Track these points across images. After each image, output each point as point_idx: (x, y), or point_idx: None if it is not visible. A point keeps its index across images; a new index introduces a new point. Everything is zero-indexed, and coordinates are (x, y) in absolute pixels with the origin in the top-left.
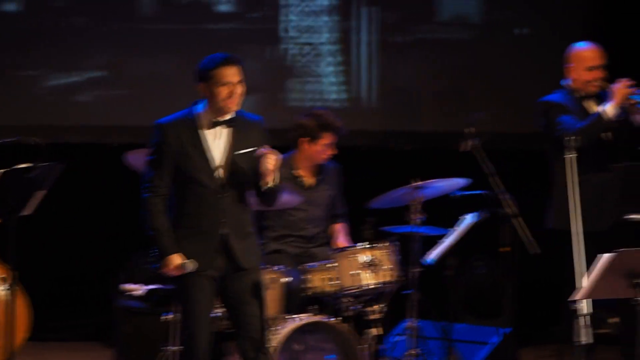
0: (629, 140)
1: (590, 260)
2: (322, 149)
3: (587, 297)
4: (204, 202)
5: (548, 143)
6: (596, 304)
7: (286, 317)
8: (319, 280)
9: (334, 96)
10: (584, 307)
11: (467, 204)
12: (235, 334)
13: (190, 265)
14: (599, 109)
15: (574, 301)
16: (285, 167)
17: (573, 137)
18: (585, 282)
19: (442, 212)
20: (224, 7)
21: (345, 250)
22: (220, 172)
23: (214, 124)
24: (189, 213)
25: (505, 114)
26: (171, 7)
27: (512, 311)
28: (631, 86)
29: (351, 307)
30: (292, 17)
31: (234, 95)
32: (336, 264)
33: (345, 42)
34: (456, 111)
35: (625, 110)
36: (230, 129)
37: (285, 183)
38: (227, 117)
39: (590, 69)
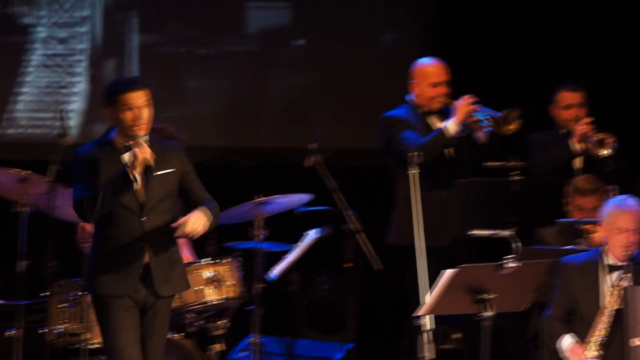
0: (472, 156)
1: (431, 276)
2: None
3: (430, 312)
4: (125, 225)
5: (390, 159)
6: (439, 319)
7: None
8: None
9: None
10: (427, 322)
11: (310, 219)
12: None
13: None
14: (441, 125)
15: (418, 317)
16: None
17: (415, 153)
18: (428, 297)
19: (286, 227)
20: None
21: (188, 266)
22: (138, 195)
23: (126, 149)
24: (111, 236)
25: (348, 130)
26: None
27: (356, 327)
28: (474, 103)
29: (194, 323)
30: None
31: (140, 119)
32: None
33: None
34: (298, 127)
35: (468, 127)
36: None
37: None
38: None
39: (434, 85)
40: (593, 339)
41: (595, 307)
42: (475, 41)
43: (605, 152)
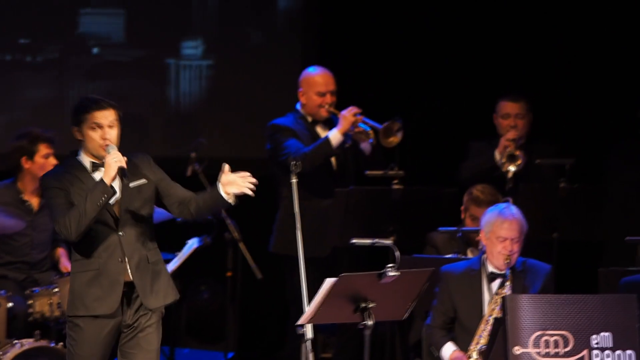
0: (357, 167)
1: (312, 286)
2: (43, 161)
3: (311, 321)
4: (103, 241)
5: (275, 167)
6: (319, 328)
7: (10, 342)
8: (43, 305)
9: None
10: (308, 331)
11: (191, 228)
12: None
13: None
14: (326, 134)
15: (299, 325)
16: (11, 192)
17: (295, 162)
18: (309, 306)
19: (167, 236)
20: None
21: (68, 276)
22: (113, 209)
23: (94, 166)
24: (90, 254)
25: (227, 139)
26: None
27: (236, 335)
28: (359, 114)
29: None
30: None
31: (110, 139)
32: (59, 289)
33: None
34: (182, 136)
35: (352, 137)
36: None
37: (9, 208)
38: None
39: (320, 94)
40: (474, 347)
41: (476, 316)
42: (357, 51)
43: (511, 167)
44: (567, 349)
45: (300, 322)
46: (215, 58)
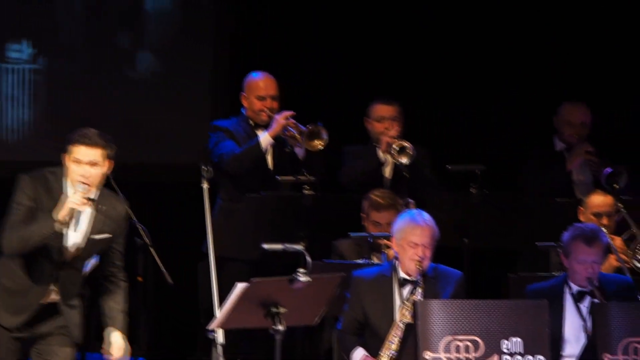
0: (293, 170)
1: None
2: None
3: (222, 326)
4: (40, 268)
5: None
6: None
7: None
8: None
9: None
10: (220, 336)
11: None
12: None
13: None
14: (257, 137)
15: (211, 330)
16: None
17: (206, 168)
18: (221, 311)
19: None
20: None
21: None
22: (68, 251)
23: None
24: (20, 273)
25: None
26: None
27: (146, 340)
28: (291, 118)
29: None
30: None
31: (87, 177)
32: None
33: None
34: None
35: (288, 141)
36: (92, 210)
37: None
38: (90, 195)
39: (260, 97)
40: (384, 353)
41: (387, 321)
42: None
43: (404, 160)
44: (477, 354)
45: (210, 326)
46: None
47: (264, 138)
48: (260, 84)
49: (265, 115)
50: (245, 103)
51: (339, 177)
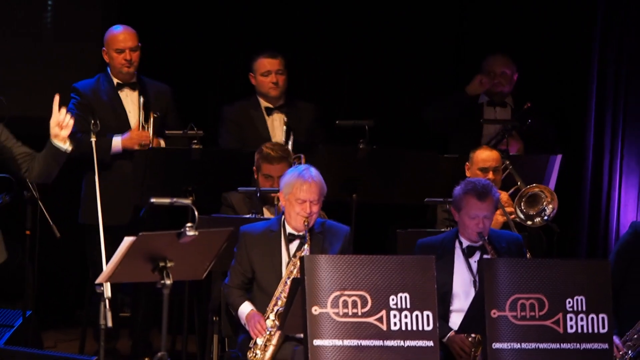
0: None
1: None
2: None
3: (110, 280)
4: None
5: None
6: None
7: None
8: None
9: None
10: (107, 289)
11: None
12: None
13: None
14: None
15: (98, 284)
16: None
17: (94, 122)
18: (108, 265)
19: None
20: None
21: None
22: None
23: None
24: None
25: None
26: None
27: (34, 294)
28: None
29: None
30: None
31: None
32: None
33: None
34: None
35: None
36: None
37: None
38: None
39: (119, 50)
40: (271, 309)
41: (274, 277)
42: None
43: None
44: (365, 309)
45: (98, 280)
46: None
47: (116, 143)
48: (119, 37)
49: (125, 68)
50: (107, 58)
51: (219, 139)
